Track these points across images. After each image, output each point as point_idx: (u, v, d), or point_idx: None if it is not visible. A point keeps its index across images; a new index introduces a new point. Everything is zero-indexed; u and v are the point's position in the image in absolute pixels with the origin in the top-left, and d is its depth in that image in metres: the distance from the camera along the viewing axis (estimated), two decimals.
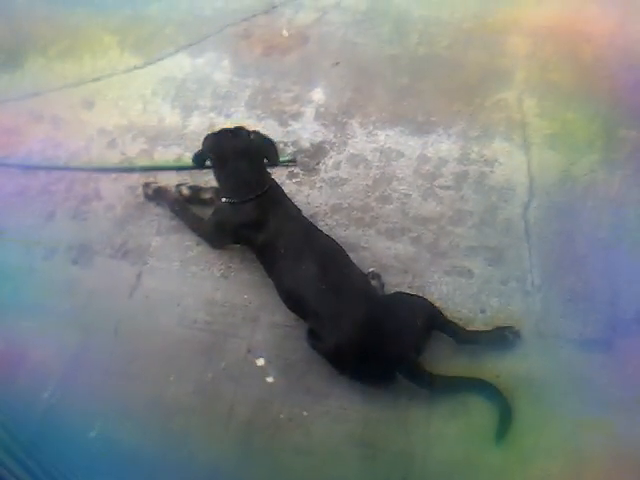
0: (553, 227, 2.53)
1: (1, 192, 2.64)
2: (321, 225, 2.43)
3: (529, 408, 2.07)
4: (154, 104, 2.94)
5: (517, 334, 2.22)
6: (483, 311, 2.31)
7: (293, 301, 2.21)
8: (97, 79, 3.04)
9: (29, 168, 2.71)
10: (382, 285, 2.33)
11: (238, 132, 2.31)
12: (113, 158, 2.75)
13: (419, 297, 2.25)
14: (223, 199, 2.29)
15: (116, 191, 2.64)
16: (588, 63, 3.00)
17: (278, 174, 2.58)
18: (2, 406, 2.05)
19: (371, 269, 2.35)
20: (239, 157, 2.25)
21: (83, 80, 3.03)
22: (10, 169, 2.72)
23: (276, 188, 2.35)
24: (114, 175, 2.68)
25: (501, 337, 2.21)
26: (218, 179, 2.33)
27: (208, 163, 2.34)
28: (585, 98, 2.91)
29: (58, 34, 3.24)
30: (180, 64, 3.10)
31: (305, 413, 2.11)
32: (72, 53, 3.17)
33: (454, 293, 2.36)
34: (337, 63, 3.04)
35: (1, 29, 3.27)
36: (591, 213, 2.56)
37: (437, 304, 2.24)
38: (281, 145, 2.69)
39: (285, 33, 3.19)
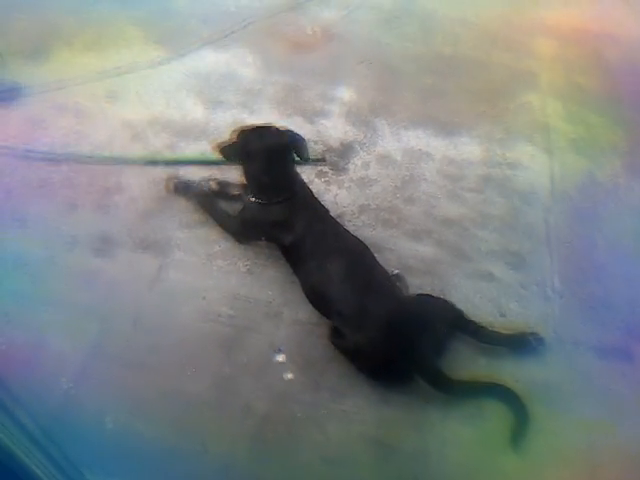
0: (575, 232, 2.53)
1: (24, 183, 2.63)
2: (348, 225, 2.42)
3: (546, 414, 2.05)
4: (178, 98, 2.94)
5: (540, 340, 2.21)
6: (503, 315, 2.31)
7: (318, 299, 2.21)
8: (121, 72, 3.04)
9: (52, 159, 2.70)
10: (406, 287, 2.32)
11: (269, 131, 2.30)
12: (136, 151, 2.74)
13: (442, 299, 2.25)
14: (251, 198, 2.29)
15: (139, 184, 2.63)
16: (614, 66, 2.99)
17: (307, 173, 2.58)
18: (21, 393, 2.05)
19: (396, 271, 2.34)
20: (269, 158, 2.25)
21: (107, 73, 3.02)
22: (34, 160, 2.70)
23: (304, 188, 2.35)
24: (137, 168, 2.68)
25: (523, 342, 2.21)
26: (247, 177, 2.32)
27: (237, 158, 2.33)
28: (610, 102, 2.91)
29: (83, 27, 3.25)
30: (205, 59, 3.10)
31: (322, 411, 2.10)
32: (97, 46, 3.17)
33: (475, 296, 2.35)
34: (363, 61, 3.03)
35: (27, 21, 3.27)
36: (614, 219, 2.56)
37: (458, 306, 2.24)
38: (311, 143, 2.66)
39: (310, 30, 3.18)
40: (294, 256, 2.26)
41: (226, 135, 2.39)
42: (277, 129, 2.31)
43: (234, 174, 2.48)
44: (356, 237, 2.30)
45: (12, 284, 2.32)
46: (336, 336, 2.15)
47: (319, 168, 2.69)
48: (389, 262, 2.35)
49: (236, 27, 3.20)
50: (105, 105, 2.92)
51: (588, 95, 2.91)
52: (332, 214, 2.36)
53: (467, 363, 2.17)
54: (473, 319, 2.21)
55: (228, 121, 2.83)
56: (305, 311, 2.27)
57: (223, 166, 2.57)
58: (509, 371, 2.15)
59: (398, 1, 3.28)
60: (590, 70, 2.99)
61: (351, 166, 2.71)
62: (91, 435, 2.03)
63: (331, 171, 2.69)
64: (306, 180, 2.44)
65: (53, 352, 2.18)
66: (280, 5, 3.28)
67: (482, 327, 2.21)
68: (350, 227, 2.40)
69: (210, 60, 3.09)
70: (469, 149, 2.76)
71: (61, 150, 2.72)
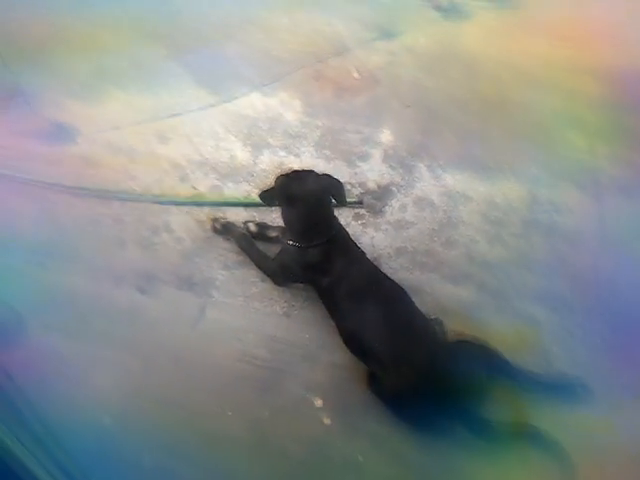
0: (624, 278, 2.45)
1: (77, 219, 2.75)
2: (385, 268, 2.42)
3: (590, 464, 1.99)
4: (226, 141, 3.03)
5: (585, 387, 2.15)
6: (548, 360, 2.25)
7: (355, 344, 2.21)
8: (173, 115, 3.15)
9: (104, 197, 2.82)
10: (445, 331, 2.29)
11: (308, 176, 2.34)
12: (184, 192, 2.82)
13: (483, 344, 2.20)
14: (289, 242, 2.33)
15: (186, 224, 2.70)
16: None
17: (344, 215, 2.61)
18: (62, 429, 2.10)
19: (434, 316, 2.31)
20: (307, 202, 2.28)
21: (160, 115, 3.14)
22: (86, 198, 2.82)
23: (342, 232, 2.37)
24: (185, 208, 2.76)
25: (568, 389, 2.15)
26: (285, 221, 2.36)
27: (276, 202, 2.38)
28: None
29: (139, 71, 3.40)
30: (253, 103, 3.18)
31: (360, 458, 2.08)
32: (150, 89, 3.30)
33: (519, 341, 2.30)
34: (407, 106, 3.06)
35: (86, 66, 3.45)
36: None
37: (501, 352, 2.19)
38: (348, 186, 2.72)
39: (356, 75, 3.24)
40: (331, 299, 2.27)
41: (271, 178, 2.45)
42: (315, 174, 2.35)
43: (275, 216, 2.53)
44: (393, 280, 2.30)
45: (60, 318, 2.41)
46: (373, 382, 2.15)
47: (356, 211, 2.70)
48: (427, 306, 2.33)
49: (284, 72, 3.28)
50: (156, 146, 3.03)
51: (634, 136, 2.84)
52: (369, 257, 2.37)
53: (510, 410, 2.12)
54: (516, 365, 2.17)
55: (273, 164, 2.90)
56: (342, 355, 2.26)
57: (267, 209, 2.62)
58: (554, 418, 2.10)
59: (442, 45, 3.30)
60: (638, 112, 2.92)
61: (388, 209, 2.72)
62: (129, 473, 2.07)
63: (368, 214, 2.70)
64: (343, 223, 2.46)
65: (96, 388, 2.24)
66: (327, 50, 3.35)
67: (526, 373, 2.17)
68: (387, 270, 2.40)
69: (258, 104, 3.17)
70: (512, 192, 2.73)
71: (112, 188, 2.83)
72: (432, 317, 2.30)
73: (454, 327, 2.32)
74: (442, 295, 2.43)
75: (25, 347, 2.31)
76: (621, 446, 2.00)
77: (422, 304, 2.30)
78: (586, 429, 2.02)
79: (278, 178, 2.37)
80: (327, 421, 2.17)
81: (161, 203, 2.78)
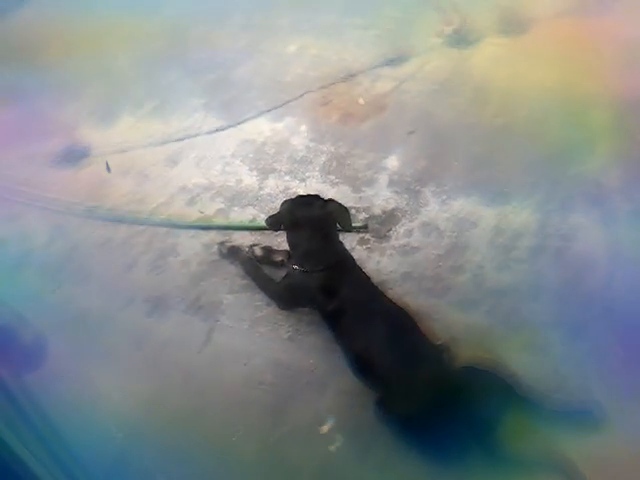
0: (636, 306, 2.41)
1: (87, 241, 2.78)
2: (390, 293, 2.40)
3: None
4: (233, 165, 3.07)
5: (601, 413, 2.09)
6: (559, 389, 2.20)
7: (361, 370, 2.19)
8: (181, 139, 3.21)
9: (113, 220, 2.85)
10: (453, 358, 2.27)
11: (313, 201, 2.35)
12: (191, 215, 2.86)
13: (493, 370, 2.16)
14: (295, 266, 2.33)
15: (192, 247, 2.73)
16: None
17: (349, 240, 2.62)
18: (76, 448, 2.10)
19: (441, 342, 2.29)
20: (312, 227, 2.29)
21: (168, 139, 3.20)
22: (96, 220, 2.86)
23: (347, 257, 2.38)
24: (192, 232, 2.78)
25: (584, 414, 2.10)
26: (291, 245, 2.37)
27: (282, 227, 2.39)
28: None
29: (148, 95, 3.47)
30: (260, 128, 3.24)
31: None
32: (160, 113, 3.37)
33: (529, 369, 2.23)
34: (412, 132, 3.08)
35: (99, 90, 3.52)
36: None
37: (512, 377, 2.15)
38: (353, 211, 2.73)
39: (362, 101, 3.28)
40: (336, 325, 2.26)
41: (276, 202, 2.47)
42: (320, 199, 2.37)
43: (281, 240, 2.54)
44: (399, 306, 2.29)
45: (71, 338, 2.43)
46: (381, 408, 2.12)
47: (361, 235, 2.71)
48: (434, 332, 2.30)
49: (291, 97, 3.33)
50: (164, 169, 3.08)
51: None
52: (374, 282, 2.36)
53: (525, 435, 2.05)
54: (528, 390, 2.13)
55: (279, 188, 2.93)
56: (349, 380, 2.24)
57: (272, 233, 2.63)
58: (570, 444, 2.03)
59: (450, 72, 3.34)
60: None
61: (393, 234, 2.72)
62: None
63: (373, 239, 2.71)
64: (348, 247, 2.47)
65: (107, 409, 2.24)
66: (334, 76, 3.40)
67: (539, 399, 2.12)
68: (392, 295, 2.39)
69: (265, 129, 3.22)
70: (521, 219, 2.72)
71: (121, 211, 2.87)
72: (439, 342, 2.28)
73: (462, 354, 2.28)
74: (450, 321, 2.40)
75: (39, 366, 2.33)
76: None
77: (429, 330, 2.27)
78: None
79: (284, 203, 2.39)
80: (335, 447, 2.13)
81: (168, 226, 2.81)
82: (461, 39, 3.67)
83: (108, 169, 3.01)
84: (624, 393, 2.17)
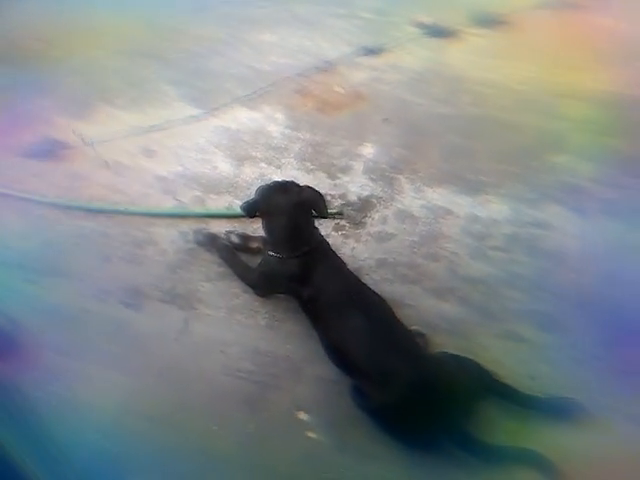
0: (607, 294, 2.44)
1: (63, 234, 2.74)
2: (366, 279, 2.41)
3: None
4: (209, 153, 3.06)
5: (577, 406, 2.12)
6: (533, 378, 2.22)
7: (338, 356, 2.19)
8: (158, 128, 3.18)
9: (90, 212, 2.82)
10: (427, 344, 2.29)
11: (289, 187, 2.35)
12: (168, 204, 2.84)
13: (468, 358, 2.19)
14: (271, 252, 2.33)
15: (169, 236, 2.71)
16: None
17: (325, 226, 2.63)
18: (51, 447, 2.08)
19: (415, 327, 2.31)
20: (288, 213, 2.29)
21: (144, 130, 3.17)
22: (73, 212, 2.82)
23: (323, 243, 2.37)
24: (168, 220, 2.76)
25: (556, 406, 2.12)
26: (266, 232, 2.37)
27: (258, 213, 2.39)
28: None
29: (126, 85, 3.43)
30: (236, 116, 3.23)
31: (347, 473, 2.04)
32: (135, 104, 3.33)
33: (503, 357, 2.27)
34: (387, 119, 3.10)
35: (73, 78, 3.47)
36: None
37: (485, 367, 2.18)
38: (329, 198, 2.74)
39: (339, 90, 3.28)
40: (312, 311, 2.27)
41: (253, 189, 2.46)
42: (296, 185, 2.37)
43: (257, 227, 2.53)
44: (374, 292, 2.30)
45: (47, 330, 2.39)
46: (357, 395, 2.12)
47: (337, 222, 2.72)
48: (409, 318, 2.32)
49: (267, 86, 3.32)
50: (139, 160, 3.05)
51: (620, 157, 2.89)
52: (350, 268, 2.37)
53: (498, 427, 2.08)
54: (503, 381, 2.16)
55: (255, 175, 2.93)
56: (326, 367, 2.24)
57: (248, 220, 2.62)
58: (543, 436, 2.07)
59: (426, 63, 3.36)
60: (621, 132, 2.97)
61: (368, 220, 2.73)
62: None
63: (349, 225, 2.72)
64: (324, 234, 2.47)
65: (83, 402, 2.21)
66: (311, 65, 3.40)
67: (513, 389, 2.14)
68: (368, 281, 2.40)
69: (241, 117, 3.21)
70: (496, 208, 2.75)
71: (98, 203, 2.84)
72: (414, 328, 2.29)
73: (436, 340, 2.31)
74: (424, 308, 2.43)
75: (14, 360, 2.29)
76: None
77: (404, 317, 2.28)
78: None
79: (259, 189, 2.38)
80: (313, 435, 2.14)
81: (144, 215, 2.79)
82: (439, 30, 3.70)
83: (107, 164, 2.98)
84: (597, 381, 2.20)
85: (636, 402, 2.13)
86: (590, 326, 2.35)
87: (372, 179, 2.88)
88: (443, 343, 2.30)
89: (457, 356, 2.20)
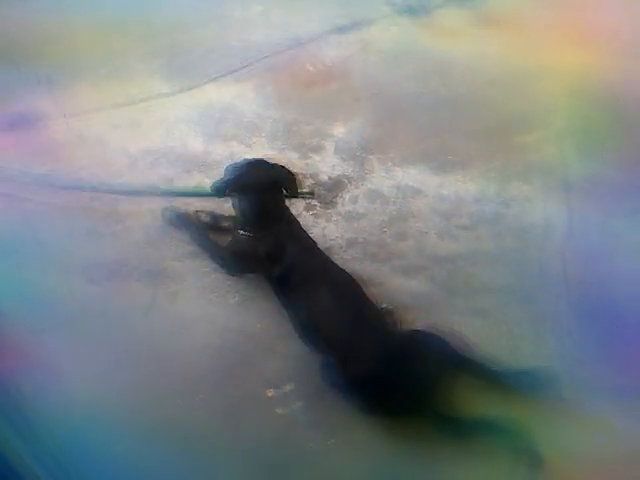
0: (570, 270, 2.50)
1: (27, 211, 2.68)
2: (336, 259, 2.43)
3: (558, 454, 2.01)
4: (180, 131, 3.01)
5: (545, 377, 2.17)
6: (499, 353, 2.26)
7: (307, 334, 2.21)
8: (128, 105, 3.11)
9: (54, 187, 2.76)
10: (396, 322, 2.32)
11: (259, 165, 2.35)
12: (136, 181, 2.79)
13: (437, 334, 2.22)
14: (241, 231, 2.33)
15: (138, 214, 2.68)
16: (617, 109, 3.00)
17: (295, 205, 2.63)
18: (35, 420, 2.06)
19: (385, 305, 2.34)
20: (258, 192, 2.29)
21: (115, 105, 3.10)
22: (36, 187, 2.76)
23: (293, 222, 2.38)
24: (136, 198, 2.72)
25: (528, 379, 2.17)
26: (237, 210, 2.37)
27: (227, 192, 2.38)
28: (612, 144, 2.92)
29: (98, 59, 3.34)
30: (207, 94, 3.17)
31: (317, 448, 2.08)
32: (106, 80, 3.25)
33: (471, 332, 2.31)
34: (358, 99, 3.10)
35: (48, 52, 3.36)
36: (617, 259, 2.53)
37: (453, 342, 2.21)
38: (300, 177, 2.72)
39: (311, 68, 3.26)
40: (282, 289, 2.28)
41: (223, 168, 2.44)
42: (266, 164, 2.36)
43: (227, 206, 2.52)
44: (344, 270, 2.32)
45: (14, 312, 2.35)
46: (327, 371, 2.14)
47: (308, 201, 2.73)
48: (379, 296, 2.35)
49: (240, 64, 3.28)
50: (110, 136, 2.99)
51: (587, 137, 2.94)
52: (320, 247, 2.38)
53: (466, 400, 2.13)
54: (469, 355, 2.20)
55: (225, 154, 2.89)
56: (296, 344, 2.26)
57: (219, 199, 2.60)
58: (518, 409, 2.11)
59: (399, 42, 3.35)
60: (590, 112, 3.01)
61: (339, 200, 2.74)
62: (101, 463, 2.04)
63: (319, 205, 2.73)
64: (295, 213, 2.48)
65: (64, 380, 2.20)
66: (283, 43, 3.36)
67: (480, 363, 2.19)
68: (338, 260, 2.42)
69: (212, 95, 3.16)
70: (463, 187, 2.78)
71: (62, 178, 2.78)
72: (383, 306, 2.33)
73: (405, 318, 2.34)
74: (393, 286, 2.46)
75: None
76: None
77: (374, 295, 2.31)
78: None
79: (229, 168, 2.37)
80: (283, 411, 2.17)
81: (111, 192, 2.75)
82: (412, 9, 3.68)
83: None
84: (561, 353, 2.26)
85: (608, 373, 2.19)
86: (554, 300, 2.41)
87: (343, 159, 2.88)
88: (412, 320, 2.34)
89: (426, 332, 2.24)
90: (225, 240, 2.46)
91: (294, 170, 2.48)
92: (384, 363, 2.06)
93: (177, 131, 3.01)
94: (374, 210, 2.72)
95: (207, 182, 2.66)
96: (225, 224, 2.56)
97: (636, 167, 2.80)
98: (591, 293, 2.43)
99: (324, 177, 2.82)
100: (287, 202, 2.41)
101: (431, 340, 2.19)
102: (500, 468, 2.00)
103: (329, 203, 2.73)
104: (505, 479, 2.00)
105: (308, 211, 2.70)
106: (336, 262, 2.36)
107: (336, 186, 2.78)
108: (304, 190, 2.71)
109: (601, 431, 2.07)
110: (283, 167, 2.38)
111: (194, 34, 3.49)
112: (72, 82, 3.20)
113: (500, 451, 2.03)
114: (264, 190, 2.29)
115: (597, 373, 2.19)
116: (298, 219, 2.44)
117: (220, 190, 2.36)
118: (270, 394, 2.21)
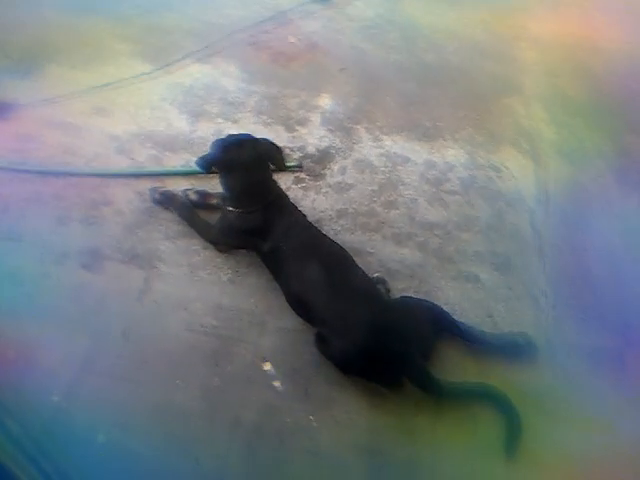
0: (561, 235, 2.53)
1: (15, 197, 2.67)
2: (327, 230, 2.44)
3: (538, 418, 2.03)
4: (162, 110, 2.99)
5: (529, 342, 2.19)
6: (490, 316, 2.30)
7: (300, 306, 2.22)
8: (108, 87, 3.08)
9: (42, 173, 2.74)
10: (388, 290, 2.33)
11: (245, 140, 2.32)
12: (122, 163, 2.78)
13: (426, 301, 2.25)
14: (229, 207, 2.31)
15: (125, 196, 2.66)
16: (596, 71, 3.01)
17: (284, 179, 2.62)
18: (13, 407, 2.06)
19: (376, 274, 2.35)
20: (245, 167, 2.27)
21: (95, 88, 3.07)
22: (24, 175, 2.74)
23: (281, 196, 2.37)
24: (123, 180, 2.71)
25: (513, 343, 2.19)
26: (224, 187, 2.35)
27: (214, 169, 2.36)
28: (592, 106, 2.91)
29: (73, 42, 3.31)
30: (189, 71, 3.16)
31: (312, 419, 2.09)
32: (85, 62, 3.23)
33: (461, 298, 2.35)
34: (343, 69, 3.07)
35: (21, 37, 3.33)
36: (599, 220, 2.55)
37: (445, 310, 2.23)
38: (287, 151, 2.72)
39: (292, 40, 3.22)
40: (274, 263, 2.28)
41: (209, 145, 2.42)
42: (253, 138, 2.34)
43: (215, 183, 2.51)
44: (335, 242, 2.31)
45: (4, 298, 2.34)
46: (320, 342, 2.15)
47: (296, 175, 2.71)
48: (370, 266, 2.36)
49: (220, 39, 3.24)
50: (92, 120, 2.96)
51: (570, 99, 2.94)
52: (310, 219, 2.38)
53: (457, 365, 2.15)
54: (460, 322, 2.21)
55: (211, 131, 2.88)
56: (289, 318, 2.27)
57: (206, 176, 2.59)
58: (500, 373, 2.14)
59: (379, 11, 3.32)
60: (572, 75, 3.01)
61: (328, 172, 2.74)
62: (83, 449, 2.03)
63: (308, 177, 2.72)
64: (284, 187, 2.46)
65: (44, 365, 2.18)
66: (262, 15, 3.32)
67: (471, 329, 2.20)
68: (329, 232, 2.42)
69: (194, 72, 3.14)
70: (452, 153, 2.77)
71: (50, 164, 2.76)
72: (374, 276, 2.33)
73: (397, 286, 2.35)
74: (384, 255, 2.46)
75: None
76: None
77: (365, 264, 2.32)
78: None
79: (215, 143, 2.35)
80: (277, 385, 2.17)
81: (99, 176, 2.72)
82: None
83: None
84: (550, 319, 2.28)
85: (587, 335, 2.22)
86: (545, 266, 2.42)
87: (330, 130, 2.86)
88: (403, 288, 2.35)
89: (416, 299, 2.25)
90: (214, 218, 2.45)
91: (281, 144, 2.46)
92: (376, 332, 2.06)
93: (162, 111, 2.99)
94: (363, 180, 2.71)
95: (194, 161, 2.64)
96: (214, 201, 2.54)
97: (607, 132, 2.80)
98: (578, 258, 2.45)
99: (312, 149, 2.81)
100: (275, 176, 2.39)
101: (421, 307, 2.21)
102: (480, 435, 2.03)
103: (318, 175, 2.72)
104: (485, 446, 2.01)
105: (297, 184, 2.69)
106: (327, 233, 2.36)
107: (324, 158, 2.77)
108: (292, 163, 2.70)
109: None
110: (269, 141, 2.35)
111: (174, 12, 3.46)
112: (49, 67, 3.17)
113: (480, 418, 2.05)
114: (250, 165, 2.27)
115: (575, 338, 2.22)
116: (288, 193, 2.43)
117: (205, 166, 2.34)
118: (265, 368, 2.21)
